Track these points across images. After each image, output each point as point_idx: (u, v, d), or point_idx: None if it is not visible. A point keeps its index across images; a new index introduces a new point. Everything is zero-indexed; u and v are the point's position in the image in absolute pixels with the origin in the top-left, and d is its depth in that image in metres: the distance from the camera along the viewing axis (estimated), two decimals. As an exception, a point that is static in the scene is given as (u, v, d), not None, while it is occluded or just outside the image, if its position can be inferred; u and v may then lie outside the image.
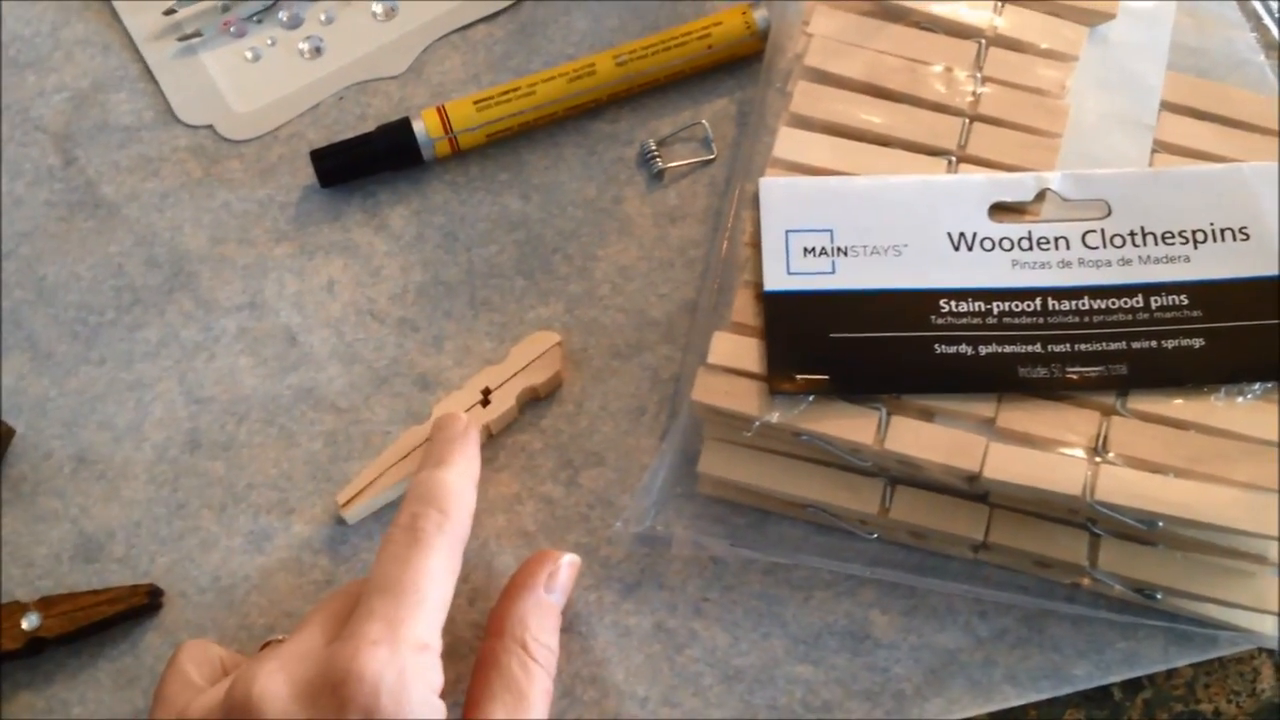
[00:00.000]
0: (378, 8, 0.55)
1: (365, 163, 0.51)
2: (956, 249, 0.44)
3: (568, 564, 0.44)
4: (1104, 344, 0.43)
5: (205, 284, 0.50)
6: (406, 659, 0.37)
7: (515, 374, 0.47)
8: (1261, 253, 0.43)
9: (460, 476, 0.43)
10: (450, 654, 0.43)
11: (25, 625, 0.44)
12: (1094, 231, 0.44)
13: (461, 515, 0.42)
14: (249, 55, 0.54)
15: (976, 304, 0.43)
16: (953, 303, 0.43)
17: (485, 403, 0.47)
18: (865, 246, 0.44)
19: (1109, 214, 0.44)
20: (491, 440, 0.48)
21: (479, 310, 0.50)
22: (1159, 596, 0.43)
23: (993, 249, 0.44)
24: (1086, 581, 0.43)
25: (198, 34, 0.54)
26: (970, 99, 0.46)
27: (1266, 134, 0.46)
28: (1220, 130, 0.47)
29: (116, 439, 0.48)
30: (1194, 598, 0.42)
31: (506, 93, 0.51)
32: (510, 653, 0.41)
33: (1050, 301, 0.43)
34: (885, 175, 0.45)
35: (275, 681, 0.37)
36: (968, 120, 0.46)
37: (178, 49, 0.54)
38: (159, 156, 0.52)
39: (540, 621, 0.42)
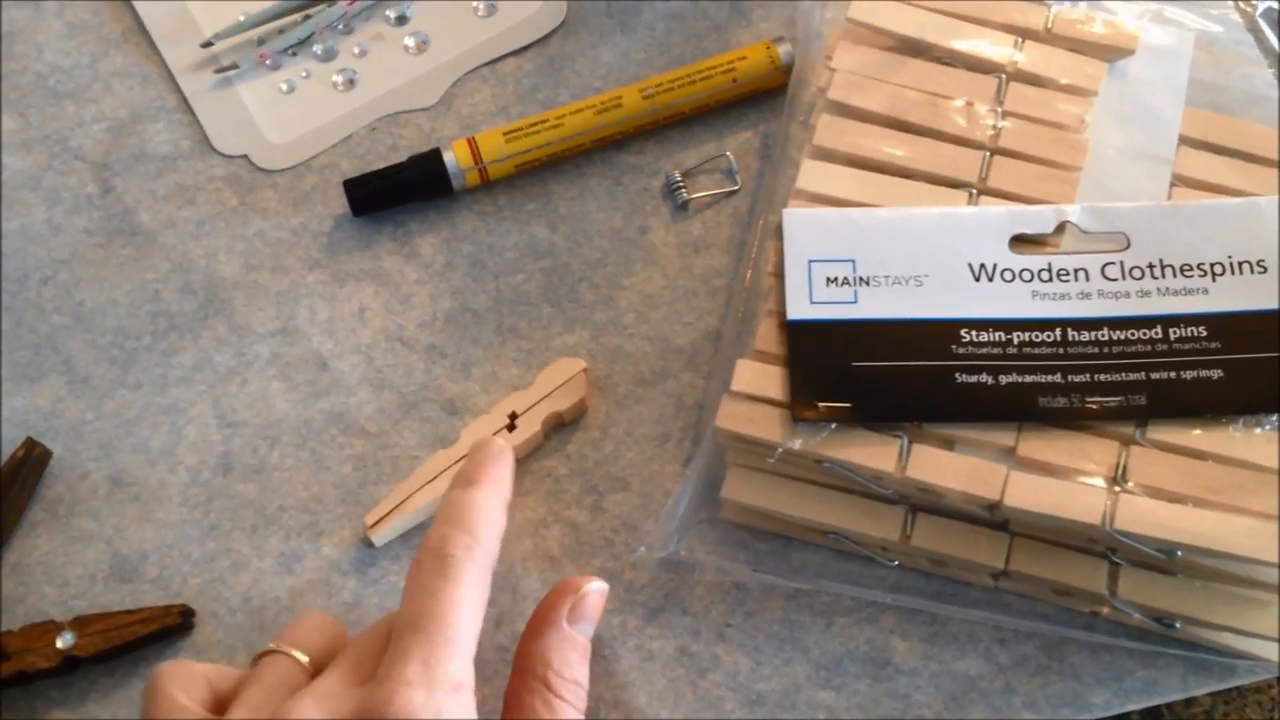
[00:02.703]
0: (410, 41, 0.56)
1: (396, 192, 0.52)
2: (977, 280, 0.45)
3: (593, 592, 0.43)
4: (1123, 374, 0.43)
5: (239, 310, 0.51)
6: (442, 700, 0.37)
7: (541, 399, 0.48)
8: (1278, 285, 0.44)
9: (490, 497, 0.42)
10: (475, 676, 0.44)
11: (60, 644, 0.45)
12: (1113, 263, 0.45)
13: (490, 538, 0.41)
14: (284, 87, 0.55)
15: (997, 334, 0.44)
16: (973, 333, 0.44)
17: (511, 427, 0.48)
18: (887, 277, 0.45)
19: (1128, 246, 0.45)
20: (517, 465, 0.48)
21: (506, 337, 0.50)
22: (1178, 625, 0.43)
23: (1013, 280, 0.45)
24: (1106, 610, 0.44)
25: (234, 66, 0.55)
26: (991, 133, 0.47)
27: (1283, 168, 0.47)
28: (1237, 164, 0.47)
29: (151, 462, 0.49)
30: (1212, 626, 0.43)
31: (535, 124, 0.52)
32: (533, 691, 0.41)
33: (1070, 332, 0.44)
34: (907, 207, 0.46)
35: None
36: (988, 153, 0.47)
37: (214, 81, 0.55)
38: (195, 185, 0.54)
39: (564, 656, 0.41)
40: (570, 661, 0.41)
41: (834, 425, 0.43)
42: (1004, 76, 0.48)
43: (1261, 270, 0.44)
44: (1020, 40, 0.49)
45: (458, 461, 0.47)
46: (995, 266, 0.45)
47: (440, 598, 0.39)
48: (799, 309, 0.44)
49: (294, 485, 0.48)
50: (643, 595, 0.46)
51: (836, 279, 0.45)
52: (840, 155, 0.47)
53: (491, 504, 0.42)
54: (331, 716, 0.37)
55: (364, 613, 0.46)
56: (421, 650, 0.37)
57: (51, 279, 0.52)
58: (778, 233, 0.46)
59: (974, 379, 0.43)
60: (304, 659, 0.39)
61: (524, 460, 0.48)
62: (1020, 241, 0.45)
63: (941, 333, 0.44)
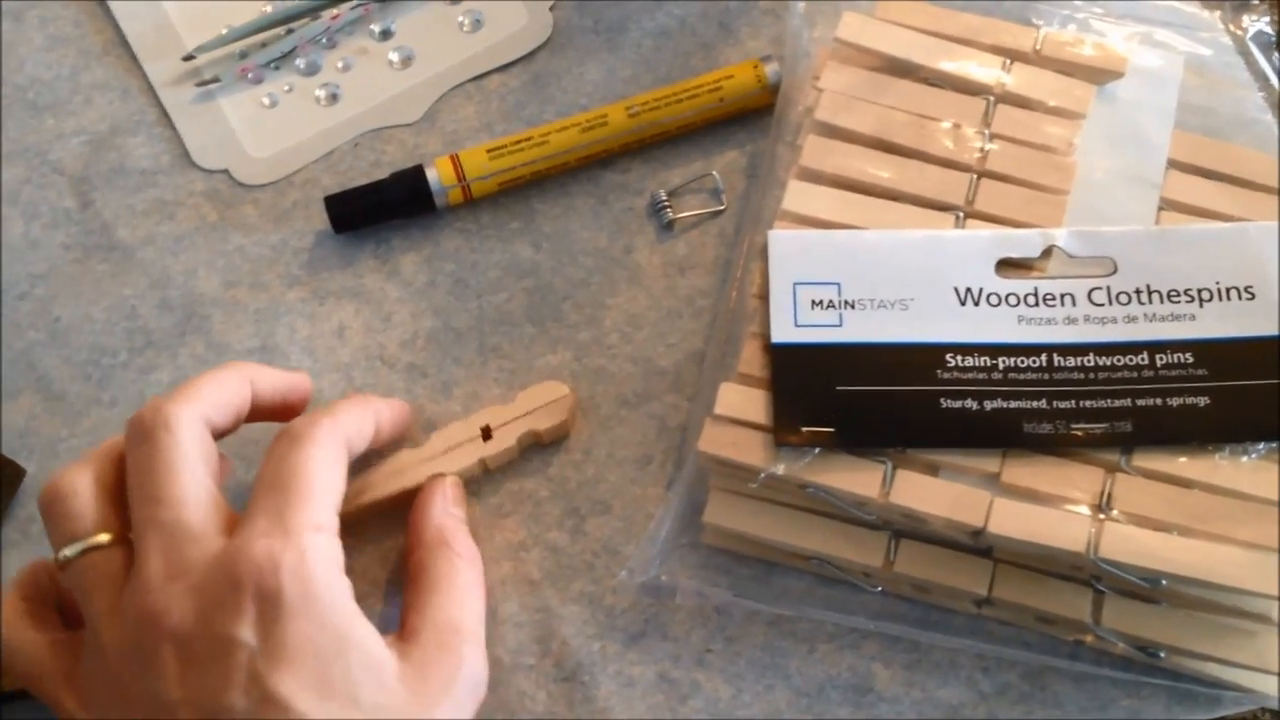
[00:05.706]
0: (394, 56, 0.55)
1: (378, 209, 0.52)
2: (963, 304, 0.44)
3: (452, 484, 0.46)
4: (1109, 401, 0.43)
5: (217, 327, 0.51)
6: (304, 539, 0.38)
7: (519, 416, 0.48)
8: (1266, 312, 0.44)
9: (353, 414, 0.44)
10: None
11: (31, 665, 0.44)
12: (1100, 288, 0.44)
13: (350, 421, 0.43)
14: (266, 101, 0.55)
15: (982, 359, 0.43)
16: (959, 357, 0.43)
17: (486, 437, 0.47)
18: (872, 300, 0.44)
19: (1115, 271, 0.45)
20: (493, 482, 0.48)
21: (488, 357, 0.50)
22: (1162, 655, 0.43)
23: (999, 304, 0.44)
24: (1090, 638, 0.43)
25: (216, 80, 0.55)
26: (978, 155, 0.47)
27: (1272, 193, 0.47)
28: (1226, 189, 0.47)
29: (126, 480, 0.48)
30: (1197, 656, 0.42)
31: (519, 142, 0.52)
32: (435, 553, 0.43)
33: (1056, 358, 0.43)
34: (893, 229, 0.45)
35: (174, 596, 0.38)
36: (976, 176, 0.46)
37: (196, 94, 0.55)
38: (174, 200, 0.53)
39: (455, 527, 0.45)
40: (461, 533, 0.45)
41: (817, 450, 0.42)
42: (992, 98, 0.48)
43: (1249, 296, 0.44)
44: (1008, 62, 0.48)
45: (425, 461, 0.47)
46: (981, 290, 0.44)
47: (289, 460, 0.40)
48: (783, 332, 0.44)
49: (271, 505, 0.48)
50: (623, 620, 0.46)
51: (822, 301, 0.44)
52: (827, 176, 0.47)
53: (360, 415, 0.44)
54: (194, 586, 0.37)
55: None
56: (275, 504, 0.39)
57: (28, 294, 0.52)
58: (763, 254, 0.46)
59: (959, 404, 0.43)
60: (104, 538, 0.40)
61: (501, 479, 0.48)
62: (1007, 265, 0.45)
63: (927, 357, 0.44)
